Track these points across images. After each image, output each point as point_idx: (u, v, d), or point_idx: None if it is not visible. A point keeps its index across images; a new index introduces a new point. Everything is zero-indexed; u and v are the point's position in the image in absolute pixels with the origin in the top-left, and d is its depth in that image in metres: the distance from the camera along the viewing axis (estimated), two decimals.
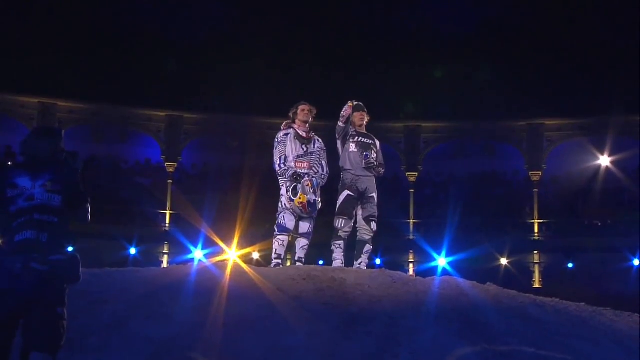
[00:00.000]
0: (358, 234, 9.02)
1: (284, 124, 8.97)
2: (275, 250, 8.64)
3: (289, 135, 8.76)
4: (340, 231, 8.86)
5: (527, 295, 7.80)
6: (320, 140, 9.01)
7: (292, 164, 8.67)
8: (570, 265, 26.57)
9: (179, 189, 27.40)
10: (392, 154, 29.40)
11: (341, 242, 8.88)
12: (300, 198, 8.54)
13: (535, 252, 27.28)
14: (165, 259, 26.81)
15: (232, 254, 20.02)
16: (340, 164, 9.09)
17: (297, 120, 8.88)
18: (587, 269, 25.69)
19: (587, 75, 27.12)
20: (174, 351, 5.73)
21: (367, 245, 8.92)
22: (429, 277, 7.92)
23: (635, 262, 25.98)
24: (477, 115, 27.90)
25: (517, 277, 25.28)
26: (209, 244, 22.77)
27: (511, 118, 28.45)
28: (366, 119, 9.30)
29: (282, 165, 8.68)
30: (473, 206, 26.38)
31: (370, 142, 9.24)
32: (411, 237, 28.14)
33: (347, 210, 8.88)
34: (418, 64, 28.24)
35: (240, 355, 5.68)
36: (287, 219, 8.59)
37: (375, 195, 9.03)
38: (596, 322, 7.02)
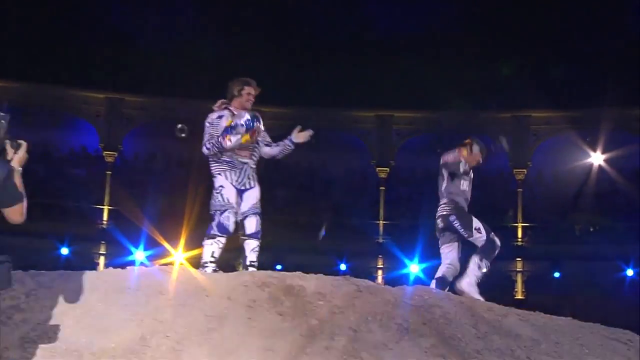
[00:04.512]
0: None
1: (218, 103, 8.82)
2: (213, 252, 8.55)
3: (224, 118, 8.66)
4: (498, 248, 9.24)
5: (507, 307, 7.88)
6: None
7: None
8: (556, 274, 26.89)
9: (119, 182, 27.23)
10: (360, 147, 29.57)
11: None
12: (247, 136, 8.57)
13: (518, 259, 27.56)
14: (101, 260, 26.63)
15: (179, 257, 19.98)
16: (447, 197, 9.43)
17: (236, 101, 8.77)
18: (575, 279, 26.02)
19: (579, 62, 27.42)
20: None
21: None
22: (399, 286, 7.97)
23: (629, 272, 26.38)
24: (457, 104, 28.07)
25: (497, 287, 25.49)
26: (152, 244, 22.73)
27: (494, 108, 28.67)
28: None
29: (213, 145, 8.55)
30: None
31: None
32: (380, 240, 28.27)
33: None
34: (392, 48, 28.36)
35: None
36: (229, 219, 8.53)
37: None
38: (584, 340, 7.11)
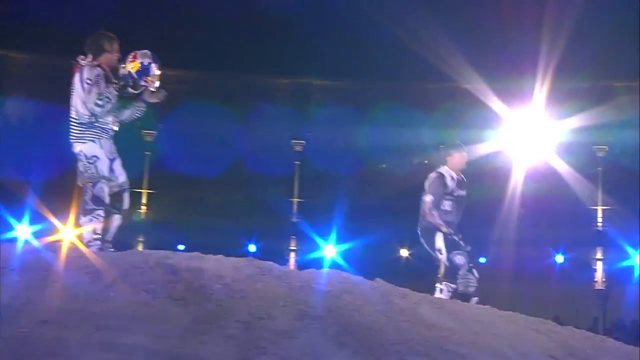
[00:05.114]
0: (460, 288, 9.94)
1: (89, 58, 8.65)
2: (95, 229, 8.55)
3: (101, 77, 8.57)
4: (461, 269, 9.74)
5: (424, 294, 8.02)
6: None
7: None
8: (482, 260, 27.35)
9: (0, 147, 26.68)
10: (274, 117, 29.51)
11: (456, 286, 9.80)
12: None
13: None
14: None
15: (68, 233, 19.67)
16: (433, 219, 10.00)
17: (105, 57, 8.69)
18: (502, 265, 26.52)
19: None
20: None
21: (474, 299, 9.72)
22: (307, 270, 8.03)
23: (559, 258, 27.05)
24: (384, 73, 28.21)
25: (420, 272, 25.78)
26: (37, 219, 22.34)
27: (424, 78, 28.85)
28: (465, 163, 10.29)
29: (106, 101, 8.48)
30: (372, 185, 26.80)
31: (465, 193, 10.26)
32: (294, 220, 28.37)
33: (456, 245, 9.84)
34: (310, 10, 28.25)
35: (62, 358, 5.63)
36: (103, 190, 8.52)
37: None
38: (503, 330, 7.28)
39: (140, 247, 24.78)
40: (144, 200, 28.65)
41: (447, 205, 10.09)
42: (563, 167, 27.72)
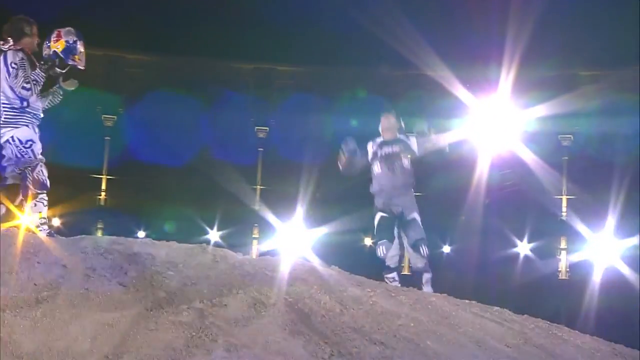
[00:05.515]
0: (411, 264, 9.97)
1: (10, 42, 8.57)
2: (41, 213, 8.55)
3: (25, 60, 8.53)
4: (387, 260, 9.71)
5: (379, 282, 8.04)
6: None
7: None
8: (445, 249, 27.48)
9: None
10: (238, 104, 29.40)
11: (394, 274, 9.75)
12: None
13: None
14: None
15: (25, 219, 19.51)
16: (370, 190, 10.17)
17: (26, 41, 8.66)
18: (465, 254, 26.63)
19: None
20: None
21: (426, 274, 9.65)
22: (262, 257, 8.04)
23: (522, 248, 27.19)
24: (349, 59, 28.15)
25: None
26: None
27: (389, 65, 28.83)
28: (394, 124, 10.27)
29: (35, 85, 8.47)
30: (336, 172, 26.72)
31: (397, 149, 10.14)
32: (257, 207, 28.28)
33: (385, 233, 9.71)
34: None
35: (5, 351, 5.57)
36: (43, 172, 8.53)
37: (416, 215, 9.86)
38: (456, 318, 7.30)
39: (99, 234, 24.65)
40: (103, 187, 28.45)
41: (376, 168, 10.09)
42: (528, 156, 27.76)
